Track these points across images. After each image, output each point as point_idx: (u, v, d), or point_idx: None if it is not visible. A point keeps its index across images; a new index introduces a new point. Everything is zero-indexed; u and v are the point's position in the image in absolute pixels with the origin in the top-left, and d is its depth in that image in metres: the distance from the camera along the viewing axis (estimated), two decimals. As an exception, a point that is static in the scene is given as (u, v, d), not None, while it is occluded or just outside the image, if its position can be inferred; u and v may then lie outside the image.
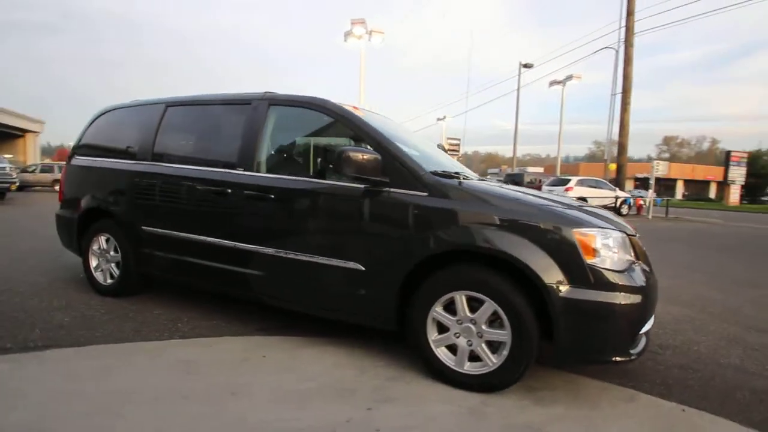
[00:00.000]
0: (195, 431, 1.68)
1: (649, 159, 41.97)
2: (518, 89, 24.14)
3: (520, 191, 2.36)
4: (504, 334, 1.97)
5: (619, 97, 18.11)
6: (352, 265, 2.28)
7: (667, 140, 75.39)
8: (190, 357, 2.34)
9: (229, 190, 2.65)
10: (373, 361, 2.36)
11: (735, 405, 2.05)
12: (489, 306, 1.99)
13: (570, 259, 1.89)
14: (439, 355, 2.12)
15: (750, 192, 34.96)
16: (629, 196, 18.38)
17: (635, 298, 1.89)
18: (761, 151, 45.53)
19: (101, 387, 1.97)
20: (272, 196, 2.52)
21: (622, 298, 1.86)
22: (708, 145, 74.89)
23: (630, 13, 18.48)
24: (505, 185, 2.59)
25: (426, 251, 2.09)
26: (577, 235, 1.90)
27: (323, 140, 2.69)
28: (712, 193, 46.01)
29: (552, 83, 21.97)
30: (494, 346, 2.02)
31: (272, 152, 2.74)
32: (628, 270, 1.94)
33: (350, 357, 2.40)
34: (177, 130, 3.17)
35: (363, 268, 2.25)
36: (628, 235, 2.09)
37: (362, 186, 2.24)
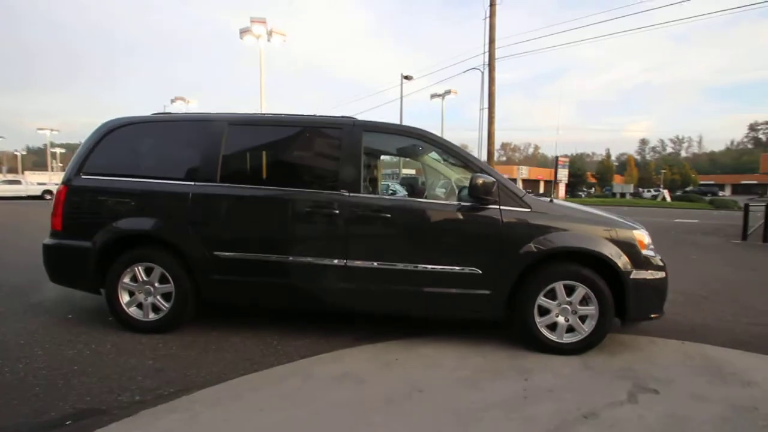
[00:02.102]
0: (445, 416, 1.97)
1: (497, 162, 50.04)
2: (401, 98, 26.45)
3: (583, 206, 3.19)
4: (592, 309, 2.74)
5: (486, 112, 21.65)
6: (470, 270, 2.76)
7: (504, 146, 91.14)
8: (339, 371, 2.47)
9: (338, 211, 2.80)
10: (485, 347, 2.87)
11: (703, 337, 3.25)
12: (581, 290, 2.73)
13: (633, 251, 2.77)
14: (543, 332, 2.77)
15: (571, 188, 45.59)
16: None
17: (664, 273, 2.88)
18: (575, 155, 59.06)
19: (298, 412, 2.03)
20: (389, 216, 2.79)
21: (660, 274, 2.83)
22: (532, 151, 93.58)
23: (491, 41, 22.20)
24: (566, 202, 3.37)
25: (535, 255, 2.72)
26: (636, 234, 2.81)
27: (438, 165, 3.05)
28: (541, 189, 57.48)
29: (433, 96, 24.86)
30: (583, 320, 2.78)
31: (373, 175, 2.97)
32: (657, 255, 2.92)
33: (465, 348, 2.86)
34: (248, 149, 3.06)
35: (480, 272, 2.76)
36: None
37: (481, 205, 2.75)
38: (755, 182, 51.12)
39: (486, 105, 21.17)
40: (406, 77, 27.19)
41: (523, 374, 2.49)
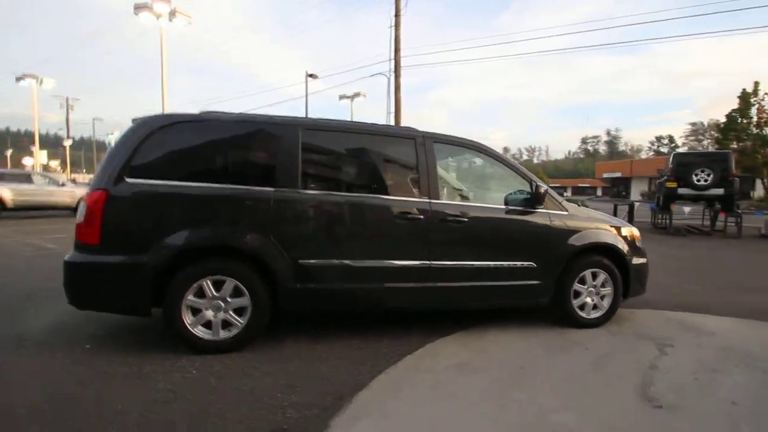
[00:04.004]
0: (567, 383, 2.41)
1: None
2: (306, 96, 26.06)
3: (596, 210, 3.96)
4: (609, 290, 3.51)
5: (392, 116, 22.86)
6: (529, 264, 3.27)
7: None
8: (451, 362, 2.73)
9: (422, 217, 3.01)
10: (534, 330, 3.40)
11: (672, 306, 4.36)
12: (602, 275, 3.49)
13: (632, 243, 3.64)
14: (578, 312, 3.45)
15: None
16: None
17: (646, 260, 3.82)
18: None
19: (455, 401, 2.27)
20: (465, 220, 3.11)
21: (645, 260, 3.76)
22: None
23: (397, 50, 23.49)
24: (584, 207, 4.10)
25: (576, 248, 3.37)
26: (633, 230, 3.69)
27: (503, 172, 3.43)
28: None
29: (342, 97, 25.03)
30: (603, 299, 3.53)
31: (447, 183, 3.24)
32: (642, 245, 3.86)
33: (519, 332, 3.34)
34: (327, 155, 3.02)
35: (535, 265, 3.29)
36: None
37: (536, 209, 3.28)
38: (588, 185, 64.17)
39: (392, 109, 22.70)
40: (311, 75, 26.90)
41: (580, 345, 3.10)
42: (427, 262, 3.04)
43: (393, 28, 22.06)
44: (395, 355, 2.80)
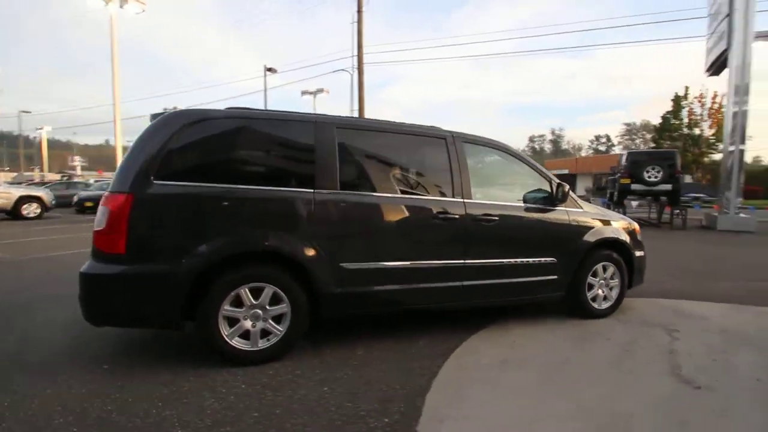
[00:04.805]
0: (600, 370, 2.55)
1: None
2: (265, 90, 25.21)
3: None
4: (617, 282, 3.75)
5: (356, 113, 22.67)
6: (550, 259, 3.41)
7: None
8: (494, 358, 2.79)
9: (457, 216, 3.04)
10: (549, 324, 3.56)
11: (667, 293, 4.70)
12: (612, 268, 3.71)
13: (635, 237, 3.90)
14: (591, 303, 3.64)
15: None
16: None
17: (644, 252, 4.11)
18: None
19: (523, 395, 2.33)
20: (497, 219, 3.17)
21: (643, 253, 4.04)
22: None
23: (360, 47, 23.32)
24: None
25: (591, 243, 3.56)
26: (635, 225, 3.95)
27: (528, 173, 3.50)
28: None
29: (304, 93, 24.45)
30: (611, 290, 3.76)
31: (478, 183, 3.26)
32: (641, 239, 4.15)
33: (536, 327, 3.47)
34: (362, 156, 2.93)
35: (555, 260, 3.43)
36: None
37: (556, 207, 3.42)
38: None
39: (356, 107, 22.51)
40: (270, 69, 26.06)
41: (600, 336, 3.28)
42: (461, 261, 3.07)
43: (356, 23, 21.91)
44: (437, 356, 2.81)
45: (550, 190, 3.46)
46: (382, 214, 2.88)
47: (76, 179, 36.46)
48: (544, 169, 3.57)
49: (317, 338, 3.01)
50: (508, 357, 2.82)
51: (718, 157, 26.87)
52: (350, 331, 3.21)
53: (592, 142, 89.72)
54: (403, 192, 3.01)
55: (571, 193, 3.60)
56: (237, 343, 2.56)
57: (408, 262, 2.93)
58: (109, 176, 36.08)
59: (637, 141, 70.26)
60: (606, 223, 3.73)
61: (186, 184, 2.48)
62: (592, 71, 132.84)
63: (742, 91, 11.38)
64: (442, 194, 3.09)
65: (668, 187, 11.77)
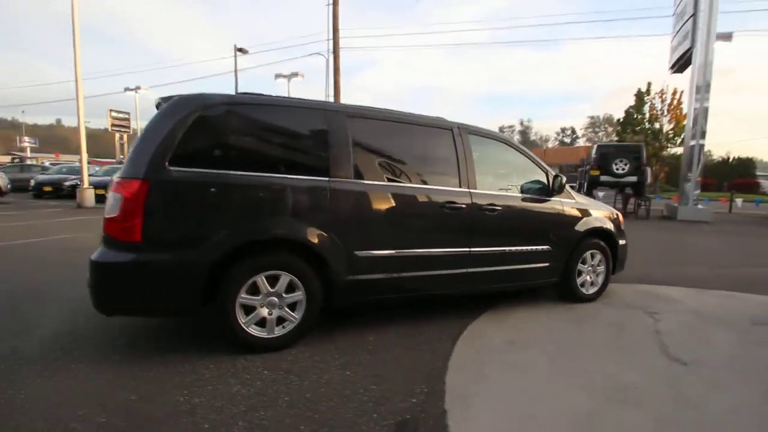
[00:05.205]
0: (605, 350, 2.75)
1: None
2: (235, 71, 24.22)
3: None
4: (603, 268, 4.01)
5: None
6: (546, 247, 3.59)
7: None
8: (502, 339, 2.93)
9: (464, 206, 3.14)
10: (545, 308, 3.78)
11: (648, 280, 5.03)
12: (599, 256, 3.96)
13: (618, 226, 4.16)
14: (581, 289, 3.88)
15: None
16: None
17: (626, 240, 4.39)
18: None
19: (537, 369, 2.49)
20: (500, 208, 3.30)
21: (625, 241, 4.33)
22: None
23: (335, 30, 22.78)
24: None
25: (582, 233, 3.77)
26: (619, 215, 4.21)
27: (527, 163, 3.62)
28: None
29: (278, 76, 23.67)
30: (597, 274, 4.01)
31: (481, 173, 3.35)
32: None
33: (531, 311, 3.68)
34: (373, 145, 2.95)
35: (549, 248, 3.62)
36: None
37: (550, 198, 3.59)
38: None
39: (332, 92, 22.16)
40: (240, 50, 25.07)
41: (592, 318, 3.52)
42: (467, 249, 3.19)
43: (331, 5, 21.38)
44: (445, 339, 2.93)
45: (546, 182, 3.63)
46: (394, 203, 2.93)
47: (27, 161, 34.04)
48: (541, 162, 3.73)
49: (327, 326, 3.06)
50: (514, 338, 2.98)
51: (675, 150, 28.58)
52: (358, 317, 3.28)
53: (558, 134, 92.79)
54: (412, 181, 3.07)
55: (566, 184, 3.79)
56: (254, 330, 2.57)
57: (418, 250, 3.01)
58: (67, 159, 33.54)
59: (600, 134, 73.29)
60: (595, 213, 3.96)
61: (202, 170, 2.43)
62: (558, 64, 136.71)
63: (703, 88, 12.12)
64: (450, 184, 3.18)
65: (634, 179, 12.46)
